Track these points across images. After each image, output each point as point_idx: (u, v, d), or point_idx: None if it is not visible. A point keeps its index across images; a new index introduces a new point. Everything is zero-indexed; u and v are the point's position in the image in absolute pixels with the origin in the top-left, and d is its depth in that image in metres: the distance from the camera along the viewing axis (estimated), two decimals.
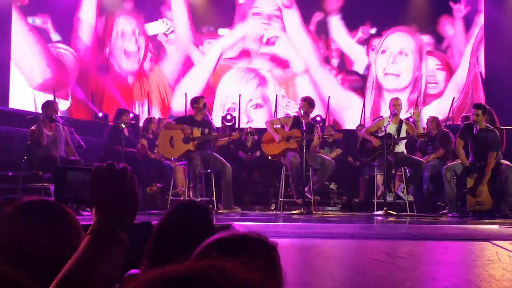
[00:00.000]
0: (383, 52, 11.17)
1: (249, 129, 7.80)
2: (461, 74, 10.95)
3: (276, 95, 10.65)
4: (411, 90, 11.04)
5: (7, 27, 8.75)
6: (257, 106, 10.86)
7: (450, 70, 11.20)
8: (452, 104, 10.33)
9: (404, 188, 7.25)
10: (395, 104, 7.31)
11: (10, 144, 8.11)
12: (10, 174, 7.46)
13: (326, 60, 11.45)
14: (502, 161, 6.91)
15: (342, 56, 11.51)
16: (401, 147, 7.31)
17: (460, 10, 11.11)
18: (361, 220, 6.66)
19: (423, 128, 7.38)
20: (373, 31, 11.37)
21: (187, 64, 11.30)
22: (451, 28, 11.19)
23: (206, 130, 7.24)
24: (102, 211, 1.14)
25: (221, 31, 11.44)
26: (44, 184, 6.81)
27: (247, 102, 10.77)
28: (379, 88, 11.09)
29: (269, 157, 7.57)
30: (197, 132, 7.18)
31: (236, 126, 10.14)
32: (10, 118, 8.67)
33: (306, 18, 11.43)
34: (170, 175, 7.68)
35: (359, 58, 11.35)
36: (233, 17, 11.42)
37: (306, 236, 4.94)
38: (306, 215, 6.96)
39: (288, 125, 7.41)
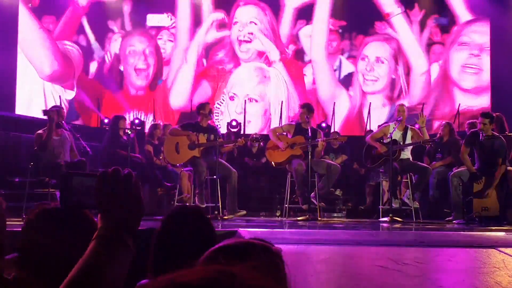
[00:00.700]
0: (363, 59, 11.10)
1: (254, 136, 7.81)
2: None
3: (281, 102, 10.71)
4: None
5: (13, 38, 9.38)
6: (251, 100, 11.01)
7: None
8: (458, 110, 10.31)
9: (410, 195, 7.23)
10: (399, 111, 7.31)
11: (16, 150, 8.15)
12: (17, 180, 7.49)
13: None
14: (510, 168, 6.89)
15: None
16: (406, 154, 7.30)
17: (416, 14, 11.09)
18: (367, 226, 6.64)
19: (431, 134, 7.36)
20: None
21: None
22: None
23: (212, 136, 7.25)
24: (108, 216, 1.15)
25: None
26: (51, 190, 6.84)
27: (245, 95, 10.90)
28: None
29: (274, 165, 7.57)
30: (202, 138, 7.19)
31: (242, 132, 10.16)
32: (16, 124, 8.72)
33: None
34: (176, 181, 7.69)
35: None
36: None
37: (311, 242, 4.93)
38: (311, 221, 6.94)
39: (290, 132, 7.42)
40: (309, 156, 7.00)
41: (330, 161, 7.56)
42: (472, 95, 10.38)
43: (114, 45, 11.07)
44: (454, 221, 6.95)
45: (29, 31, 9.61)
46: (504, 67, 10.33)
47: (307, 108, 7.42)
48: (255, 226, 6.16)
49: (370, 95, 10.90)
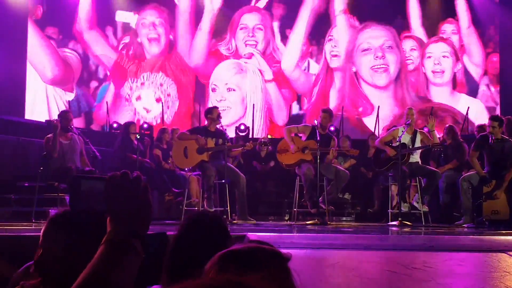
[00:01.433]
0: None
1: (263, 139, 7.80)
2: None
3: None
4: None
5: (23, 46, 10.20)
6: (230, 90, 11.53)
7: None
8: (467, 114, 10.28)
9: (419, 199, 7.21)
10: (408, 114, 7.29)
11: (26, 155, 8.20)
12: (26, 184, 7.53)
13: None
14: None
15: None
16: (415, 157, 7.28)
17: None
18: (376, 230, 6.62)
19: (439, 138, 7.33)
20: None
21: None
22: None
23: (220, 141, 7.25)
24: (116, 220, 1.14)
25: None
26: (60, 194, 6.87)
27: (224, 84, 11.55)
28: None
29: (284, 166, 7.57)
30: (211, 143, 7.20)
31: (250, 136, 10.18)
32: (26, 129, 8.79)
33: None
34: (184, 185, 7.70)
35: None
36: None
37: (320, 247, 4.91)
38: (320, 225, 6.93)
39: (305, 134, 7.38)
40: (318, 161, 6.99)
41: (339, 167, 7.52)
42: (382, 90, 11.07)
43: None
44: (464, 225, 6.92)
45: (33, 40, 10.56)
46: None
47: (329, 114, 7.40)
48: (264, 230, 6.15)
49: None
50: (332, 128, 9.76)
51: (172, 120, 11.38)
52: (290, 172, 7.73)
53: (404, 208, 7.14)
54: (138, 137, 7.68)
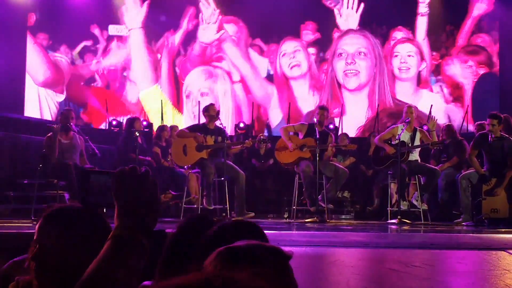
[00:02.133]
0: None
1: (262, 137, 7.80)
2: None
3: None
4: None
5: (23, 42, 10.59)
6: (203, 94, 11.77)
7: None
8: (466, 112, 10.28)
9: (418, 197, 7.21)
10: (408, 112, 7.29)
11: (25, 152, 8.19)
12: (26, 182, 7.52)
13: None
14: None
15: None
16: (415, 155, 7.28)
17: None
18: (375, 228, 6.62)
19: (437, 136, 7.33)
20: None
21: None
22: None
23: (219, 138, 7.25)
24: (124, 216, 1.14)
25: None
26: (59, 192, 6.87)
27: (197, 90, 11.86)
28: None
29: (283, 165, 7.57)
30: (210, 140, 7.19)
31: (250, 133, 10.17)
32: (25, 127, 8.78)
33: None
34: (184, 183, 7.69)
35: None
36: None
37: (319, 244, 4.92)
38: (319, 223, 6.93)
39: (302, 133, 7.39)
40: (317, 158, 6.99)
41: (338, 165, 7.52)
42: (356, 92, 11.67)
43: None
44: (463, 223, 6.92)
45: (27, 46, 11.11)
46: None
47: (327, 110, 7.42)
48: (263, 228, 6.10)
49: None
50: (331, 126, 9.77)
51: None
52: (289, 170, 7.73)
53: (404, 206, 7.15)
54: (137, 134, 7.64)
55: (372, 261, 4.29)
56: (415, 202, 7.29)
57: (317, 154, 6.98)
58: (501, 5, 10.91)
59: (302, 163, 7.20)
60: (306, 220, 7.19)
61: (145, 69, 11.79)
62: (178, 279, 0.68)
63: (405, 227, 6.57)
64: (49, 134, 6.93)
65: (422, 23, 11.62)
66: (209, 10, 11.80)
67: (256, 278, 0.72)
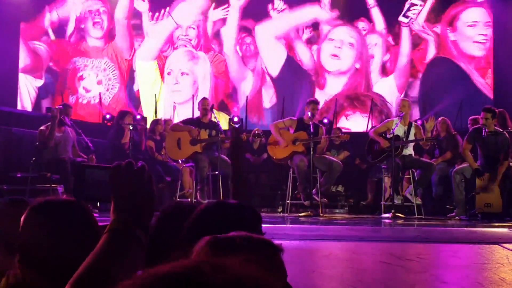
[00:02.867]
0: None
1: (256, 131, 7.78)
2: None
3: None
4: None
5: (16, 38, 10.74)
6: (183, 74, 11.97)
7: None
8: (460, 109, 10.30)
9: (412, 191, 7.22)
10: (402, 105, 7.29)
11: (18, 146, 8.14)
12: (19, 175, 7.48)
13: None
14: None
15: None
16: (409, 150, 7.29)
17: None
18: (369, 222, 6.64)
19: (431, 132, 7.34)
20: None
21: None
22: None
23: (213, 132, 7.24)
24: (120, 210, 1.14)
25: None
26: (52, 186, 6.84)
27: (178, 70, 12.04)
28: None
29: (276, 161, 7.56)
30: (204, 134, 7.18)
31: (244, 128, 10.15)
32: (19, 120, 8.74)
33: None
34: (177, 176, 7.67)
35: None
36: None
37: (313, 238, 4.92)
38: (313, 217, 6.93)
39: (293, 127, 7.39)
40: (311, 152, 6.98)
41: (332, 158, 7.52)
42: (336, 76, 11.86)
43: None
44: (456, 217, 6.93)
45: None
46: (507, 63, 10.32)
47: (316, 103, 7.42)
48: None
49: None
50: (325, 120, 9.77)
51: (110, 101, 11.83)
52: (283, 164, 7.72)
53: (397, 200, 7.16)
54: (131, 128, 7.62)
55: (366, 255, 4.30)
56: (409, 197, 7.31)
57: (311, 148, 6.98)
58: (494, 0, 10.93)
59: (296, 157, 7.19)
60: (300, 214, 7.19)
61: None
62: (167, 266, 0.67)
63: (399, 221, 6.58)
64: (42, 127, 6.90)
65: None
66: None
67: (247, 264, 0.71)
